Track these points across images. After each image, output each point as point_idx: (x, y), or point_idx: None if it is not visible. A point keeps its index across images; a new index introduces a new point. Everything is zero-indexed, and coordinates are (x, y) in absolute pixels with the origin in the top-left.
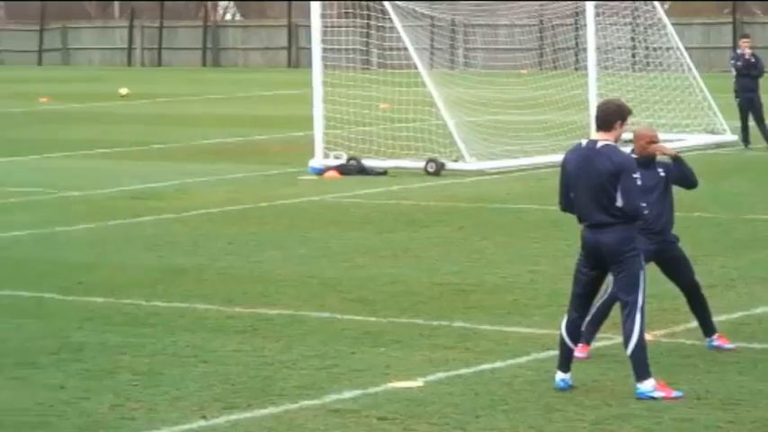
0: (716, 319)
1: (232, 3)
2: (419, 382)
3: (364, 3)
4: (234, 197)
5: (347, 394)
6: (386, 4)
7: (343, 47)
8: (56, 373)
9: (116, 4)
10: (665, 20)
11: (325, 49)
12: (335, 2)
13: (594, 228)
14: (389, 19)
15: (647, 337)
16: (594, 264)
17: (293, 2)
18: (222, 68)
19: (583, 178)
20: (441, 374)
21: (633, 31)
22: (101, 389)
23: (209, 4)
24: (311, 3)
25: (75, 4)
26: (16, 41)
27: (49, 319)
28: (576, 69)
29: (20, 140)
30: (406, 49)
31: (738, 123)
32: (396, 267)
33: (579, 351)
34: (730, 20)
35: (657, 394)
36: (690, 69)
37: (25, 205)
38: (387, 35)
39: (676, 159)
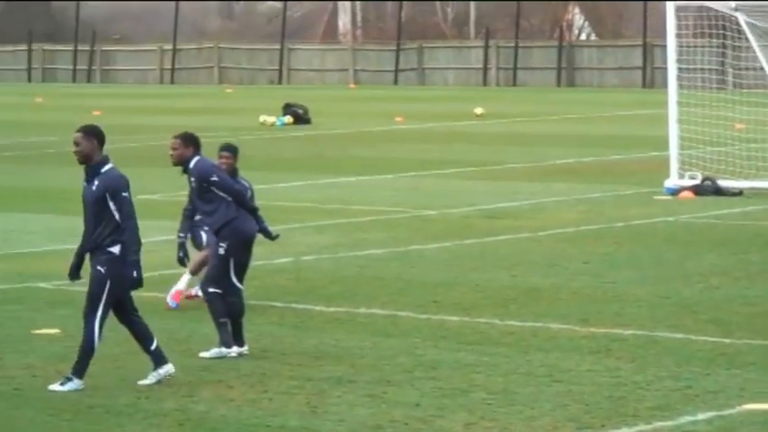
0: None
1: (587, 22)
2: None
3: (720, 23)
4: (589, 217)
5: (701, 416)
6: (742, 23)
7: (699, 66)
8: (410, 390)
9: (471, 24)
10: None
11: (680, 69)
12: (691, 22)
13: None
14: (746, 38)
15: None
16: None
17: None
18: (577, 88)
19: None
20: None
21: None
22: (455, 407)
23: (565, 24)
24: (667, 22)
25: (432, 25)
26: (372, 61)
27: (403, 336)
28: None
29: (375, 159)
30: (762, 69)
31: None
32: (751, 289)
33: None
34: None
35: None
36: None
37: (380, 224)
38: (743, 55)
39: None
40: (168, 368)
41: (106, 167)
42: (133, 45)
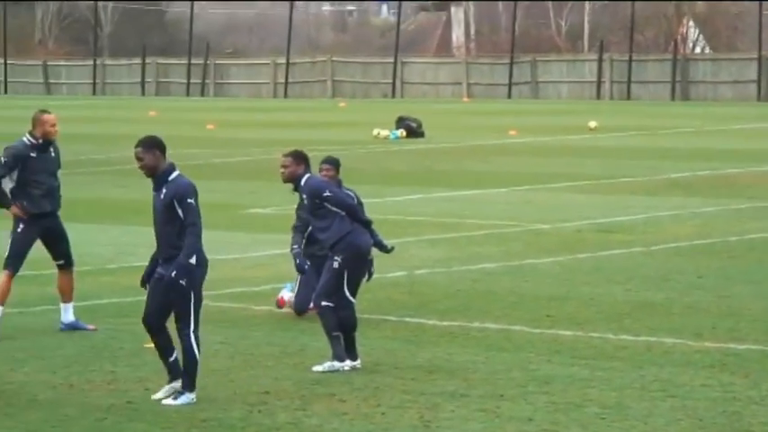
0: None
1: (701, 36)
2: None
3: None
4: (703, 231)
5: None
6: None
7: None
8: (523, 405)
9: (585, 37)
10: None
11: None
12: None
13: None
14: None
15: None
16: None
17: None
18: (691, 102)
19: None
20: None
21: None
22: (568, 422)
23: (679, 37)
24: None
25: (546, 38)
26: (486, 75)
27: (516, 351)
28: None
29: (488, 173)
30: None
31: None
32: None
33: None
34: None
35: None
36: None
37: (493, 237)
38: None
39: None
40: (177, 384)
41: (173, 175)
42: (246, 59)
